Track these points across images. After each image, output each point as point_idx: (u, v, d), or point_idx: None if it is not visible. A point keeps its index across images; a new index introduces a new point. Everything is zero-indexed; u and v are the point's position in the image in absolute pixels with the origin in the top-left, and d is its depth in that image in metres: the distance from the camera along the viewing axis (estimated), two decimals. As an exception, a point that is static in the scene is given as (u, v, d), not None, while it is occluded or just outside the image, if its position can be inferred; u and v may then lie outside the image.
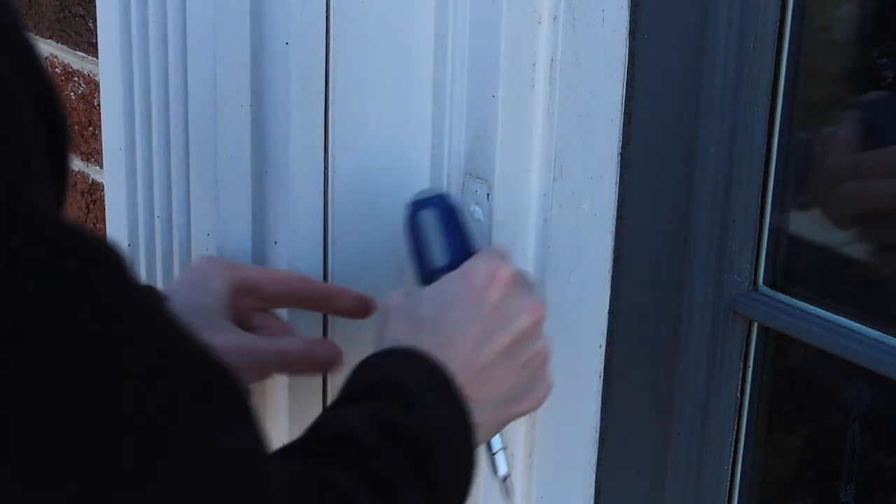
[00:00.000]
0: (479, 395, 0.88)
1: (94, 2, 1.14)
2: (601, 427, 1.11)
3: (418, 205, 0.95)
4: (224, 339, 0.92)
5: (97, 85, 1.28)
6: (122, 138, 1.12)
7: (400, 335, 0.89)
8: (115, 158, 1.14)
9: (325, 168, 1.03)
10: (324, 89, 1.01)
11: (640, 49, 1.02)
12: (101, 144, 1.19)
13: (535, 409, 0.94)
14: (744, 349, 1.07)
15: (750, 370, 1.08)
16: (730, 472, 1.10)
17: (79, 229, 0.59)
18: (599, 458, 1.12)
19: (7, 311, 0.56)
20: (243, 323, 0.99)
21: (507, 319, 0.90)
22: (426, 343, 0.87)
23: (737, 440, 1.09)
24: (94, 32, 1.27)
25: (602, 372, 1.10)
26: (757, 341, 1.07)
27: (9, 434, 0.56)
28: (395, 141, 1.04)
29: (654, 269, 1.07)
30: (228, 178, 1.03)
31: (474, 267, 0.91)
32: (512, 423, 1.05)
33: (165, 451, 0.60)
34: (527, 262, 1.02)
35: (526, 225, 1.01)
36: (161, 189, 1.10)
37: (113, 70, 1.11)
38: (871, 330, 0.98)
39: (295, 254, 1.02)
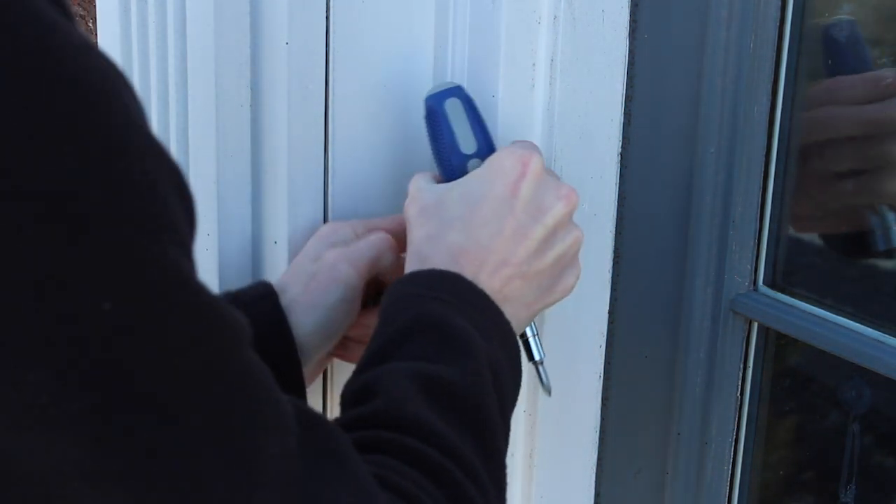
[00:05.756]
0: (516, 292, 0.86)
1: (94, 2, 1.14)
2: (601, 427, 1.11)
3: (440, 95, 0.94)
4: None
5: (97, 85, 1.28)
6: (122, 138, 1.11)
7: (432, 242, 0.86)
8: (115, 158, 1.14)
9: (325, 168, 1.02)
10: (324, 89, 1.01)
11: (640, 49, 1.02)
12: (101, 144, 1.18)
13: (565, 296, 0.91)
14: (744, 349, 1.07)
15: (750, 370, 1.08)
16: (730, 472, 1.10)
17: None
18: (599, 458, 1.12)
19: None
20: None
21: (541, 212, 0.86)
22: (458, 243, 0.84)
23: (737, 440, 1.09)
24: (94, 32, 1.27)
25: (602, 372, 1.10)
26: (757, 341, 1.07)
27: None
28: (395, 141, 1.04)
29: (654, 269, 1.07)
30: (228, 178, 1.03)
31: (502, 159, 0.87)
32: (512, 424, 1.05)
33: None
34: (527, 262, 1.02)
35: (526, 225, 1.01)
36: (161, 189, 1.09)
37: (113, 70, 1.11)
38: (871, 330, 0.98)
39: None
